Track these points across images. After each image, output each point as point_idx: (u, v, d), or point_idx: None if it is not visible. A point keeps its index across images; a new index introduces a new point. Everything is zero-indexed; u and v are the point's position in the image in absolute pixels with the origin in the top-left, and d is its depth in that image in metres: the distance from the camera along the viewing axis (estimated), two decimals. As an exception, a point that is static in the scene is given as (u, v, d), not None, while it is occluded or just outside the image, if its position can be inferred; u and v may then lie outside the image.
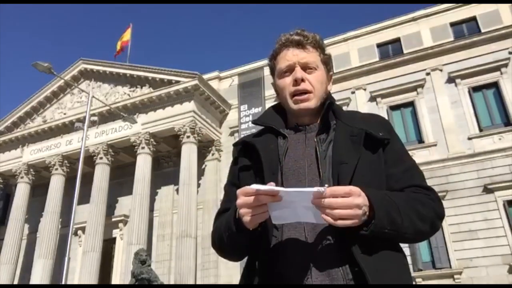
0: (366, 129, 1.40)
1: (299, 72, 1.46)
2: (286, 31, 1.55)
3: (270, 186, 1.17)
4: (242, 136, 16.04)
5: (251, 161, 1.46)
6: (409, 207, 1.28)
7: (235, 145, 1.58)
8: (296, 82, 1.46)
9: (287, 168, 1.41)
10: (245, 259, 1.45)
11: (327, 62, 1.54)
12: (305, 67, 1.47)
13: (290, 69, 1.48)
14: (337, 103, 1.56)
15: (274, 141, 1.46)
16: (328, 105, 1.48)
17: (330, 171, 1.35)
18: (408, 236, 1.29)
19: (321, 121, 1.47)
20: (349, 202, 1.16)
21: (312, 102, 1.46)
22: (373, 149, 1.39)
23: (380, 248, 1.27)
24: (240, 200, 1.22)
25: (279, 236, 1.34)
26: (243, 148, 1.52)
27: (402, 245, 1.38)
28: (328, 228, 1.28)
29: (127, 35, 24.63)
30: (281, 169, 1.41)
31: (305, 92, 1.45)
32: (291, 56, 1.48)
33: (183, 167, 19.53)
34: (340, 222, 1.16)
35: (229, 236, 1.34)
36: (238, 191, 1.24)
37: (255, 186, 1.18)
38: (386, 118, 17.75)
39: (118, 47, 24.68)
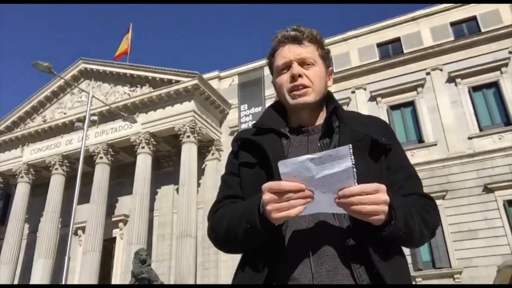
0: (371, 134, 1.38)
1: (296, 68, 1.43)
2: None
3: (297, 183, 1.14)
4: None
5: (255, 158, 1.43)
6: (417, 212, 1.29)
7: (235, 140, 1.55)
8: (293, 78, 1.44)
9: None
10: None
11: (325, 57, 1.51)
12: (302, 63, 1.45)
13: (287, 66, 1.46)
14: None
15: (278, 141, 1.44)
16: (332, 110, 1.46)
17: None
18: (415, 241, 1.31)
19: (324, 124, 1.45)
20: (377, 198, 1.15)
21: (310, 97, 1.44)
22: (376, 155, 1.38)
23: (392, 251, 1.28)
24: (267, 196, 1.16)
25: (285, 231, 1.31)
26: (245, 144, 1.49)
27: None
28: (338, 227, 1.28)
29: (128, 39, 24.49)
30: None
31: (303, 87, 1.43)
32: (287, 52, 1.46)
33: (183, 166, 19.52)
34: (370, 218, 1.15)
35: (247, 231, 1.25)
36: (264, 186, 1.18)
37: (281, 183, 1.15)
38: (386, 118, 18.01)
39: (121, 51, 24.51)
